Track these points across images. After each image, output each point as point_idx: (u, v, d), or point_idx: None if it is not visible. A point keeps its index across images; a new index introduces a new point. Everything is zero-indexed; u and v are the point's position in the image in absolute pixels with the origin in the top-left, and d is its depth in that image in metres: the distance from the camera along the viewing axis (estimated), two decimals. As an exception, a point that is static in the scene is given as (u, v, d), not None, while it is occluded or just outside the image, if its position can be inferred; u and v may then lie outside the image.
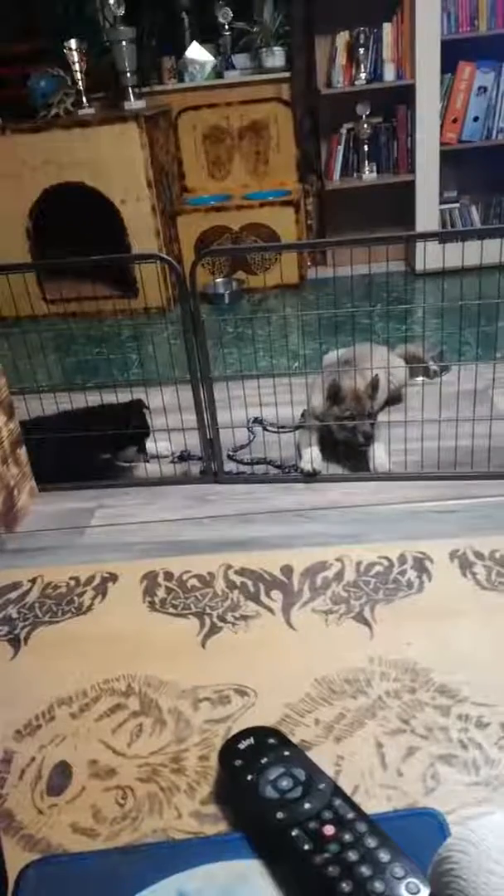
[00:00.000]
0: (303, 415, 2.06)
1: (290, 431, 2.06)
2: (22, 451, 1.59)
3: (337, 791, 0.47)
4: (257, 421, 2.12)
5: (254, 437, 2.08)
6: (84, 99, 3.71)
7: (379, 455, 1.87)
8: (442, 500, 1.57)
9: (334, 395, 1.91)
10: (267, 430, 2.11)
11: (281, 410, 1.96)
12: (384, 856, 0.43)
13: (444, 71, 3.45)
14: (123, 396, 2.02)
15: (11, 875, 0.45)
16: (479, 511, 1.43)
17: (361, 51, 3.59)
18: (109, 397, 2.04)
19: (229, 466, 1.92)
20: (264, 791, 0.47)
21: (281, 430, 2.06)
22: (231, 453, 1.96)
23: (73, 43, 3.65)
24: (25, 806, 0.50)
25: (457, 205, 3.85)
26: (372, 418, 1.90)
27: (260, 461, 1.96)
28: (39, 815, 0.50)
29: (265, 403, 1.96)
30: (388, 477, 1.81)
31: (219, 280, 3.83)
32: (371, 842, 0.43)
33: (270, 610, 0.65)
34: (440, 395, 1.78)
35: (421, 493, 1.70)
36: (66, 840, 0.48)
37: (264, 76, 3.84)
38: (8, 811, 0.50)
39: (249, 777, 0.48)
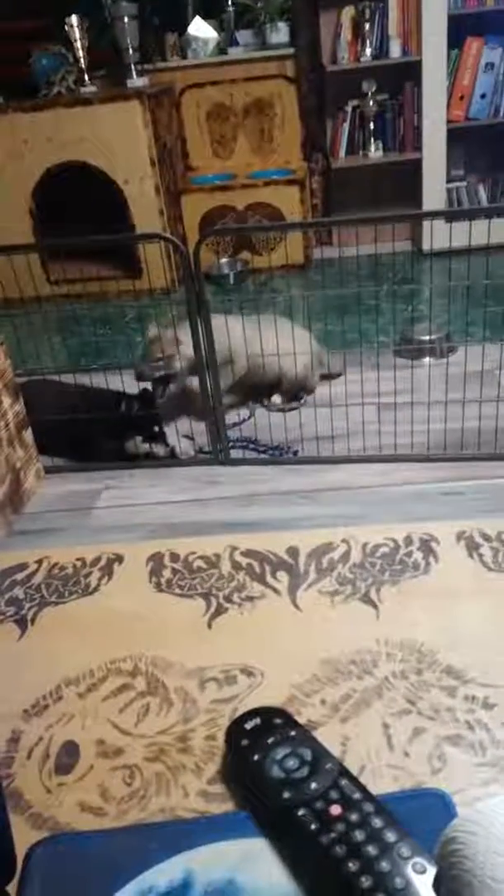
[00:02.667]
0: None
1: (293, 410, 2.07)
2: (28, 434, 1.59)
3: (343, 771, 0.47)
4: (258, 402, 2.13)
5: (250, 416, 2.09)
6: (86, 77, 3.67)
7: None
8: (448, 482, 1.57)
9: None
10: (269, 411, 2.11)
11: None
12: (391, 836, 0.43)
13: (451, 47, 3.40)
14: (130, 379, 2.01)
15: (20, 853, 0.45)
16: (486, 493, 1.42)
17: (367, 26, 3.54)
18: (115, 378, 2.03)
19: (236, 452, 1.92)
20: (271, 771, 0.47)
21: (287, 408, 2.07)
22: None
23: (74, 20, 3.61)
24: (33, 785, 0.50)
25: (464, 183, 3.81)
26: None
27: (245, 441, 1.96)
28: (47, 793, 0.50)
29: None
30: (394, 458, 1.80)
31: (223, 260, 3.81)
32: (377, 822, 0.44)
33: (276, 591, 0.65)
34: (447, 376, 1.77)
35: (427, 474, 1.70)
36: (74, 819, 0.48)
37: (268, 52, 3.79)
38: (16, 790, 0.50)
39: (256, 757, 0.48)
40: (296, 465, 1.82)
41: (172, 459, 1.92)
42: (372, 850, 0.42)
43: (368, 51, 3.58)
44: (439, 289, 2.63)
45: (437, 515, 0.76)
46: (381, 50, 3.60)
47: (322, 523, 0.76)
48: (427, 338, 2.36)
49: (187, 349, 1.93)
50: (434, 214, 3.08)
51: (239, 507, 1.16)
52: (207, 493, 1.73)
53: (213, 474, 1.83)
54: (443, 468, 1.73)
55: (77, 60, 3.65)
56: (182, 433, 1.94)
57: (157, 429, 1.94)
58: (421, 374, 2.19)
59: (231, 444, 1.90)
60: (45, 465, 1.68)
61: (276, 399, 2.15)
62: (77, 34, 3.62)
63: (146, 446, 1.93)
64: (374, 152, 3.81)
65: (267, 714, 0.51)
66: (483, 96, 3.57)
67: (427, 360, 2.31)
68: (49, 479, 1.65)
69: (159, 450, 1.93)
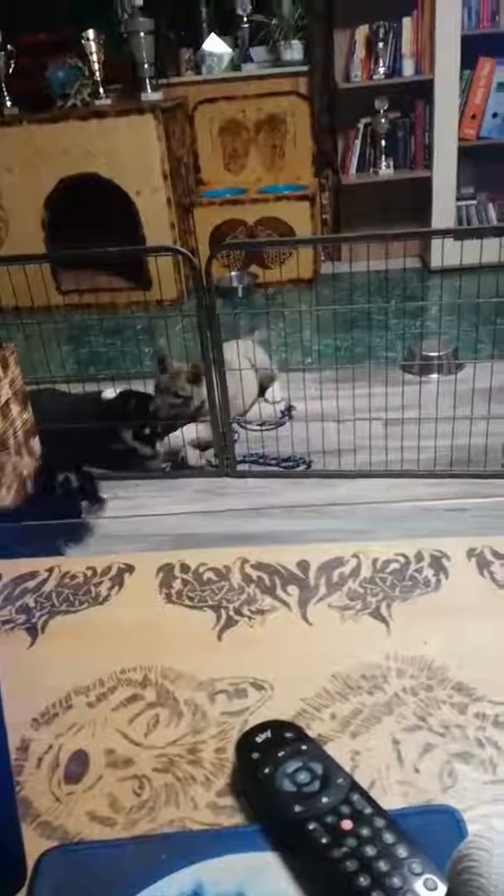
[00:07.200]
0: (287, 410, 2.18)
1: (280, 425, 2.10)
2: (35, 442, 1.59)
3: (354, 786, 0.47)
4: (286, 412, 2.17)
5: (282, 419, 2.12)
6: (101, 90, 3.71)
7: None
8: (456, 499, 1.57)
9: (160, 362, 2.17)
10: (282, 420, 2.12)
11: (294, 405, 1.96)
12: (402, 851, 0.43)
13: (463, 66, 3.43)
14: (136, 387, 2.02)
15: (30, 862, 0.45)
16: (494, 510, 1.42)
17: (380, 45, 3.58)
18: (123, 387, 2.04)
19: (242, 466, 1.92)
20: (281, 784, 0.47)
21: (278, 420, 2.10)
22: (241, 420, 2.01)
23: (90, 33, 3.65)
24: (43, 793, 0.50)
25: (473, 202, 3.83)
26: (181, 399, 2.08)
27: (254, 457, 1.97)
28: (56, 802, 0.50)
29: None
30: (401, 474, 1.81)
31: (233, 274, 3.83)
32: (389, 837, 0.43)
33: (287, 605, 0.65)
34: (454, 392, 1.77)
35: (433, 490, 1.70)
36: (83, 828, 0.48)
37: (282, 69, 3.83)
38: (25, 798, 0.50)
39: (266, 770, 0.48)
40: (301, 479, 1.83)
41: (178, 471, 1.92)
42: (383, 865, 0.42)
43: (381, 69, 3.61)
44: (447, 306, 2.64)
45: (445, 532, 0.76)
46: (394, 69, 3.63)
47: (330, 537, 0.76)
48: (435, 354, 2.37)
49: (202, 391, 1.97)
50: (444, 233, 3.10)
51: (248, 520, 1.16)
52: (213, 505, 1.73)
53: (220, 486, 1.83)
54: (449, 484, 1.74)
55: (92, 73, 3.69)
56: (190, 444, 1.95)
57: (147, 431, 1.95)
58: (428, 390, 2.19)
59: (239, 459, 1.90)
60: (53, 474, 1.68)
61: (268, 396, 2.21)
62: (93, 47, 3.66)
63: (136, 443, 1.94)
64: (385, 169, 3.83)
65: (277, 727, 0.51)
66: (495, 115, 3.59)
67: (434, 376, 2.31)
68: (57, 487, 1.65)
69: (145, 450, 1.94)
